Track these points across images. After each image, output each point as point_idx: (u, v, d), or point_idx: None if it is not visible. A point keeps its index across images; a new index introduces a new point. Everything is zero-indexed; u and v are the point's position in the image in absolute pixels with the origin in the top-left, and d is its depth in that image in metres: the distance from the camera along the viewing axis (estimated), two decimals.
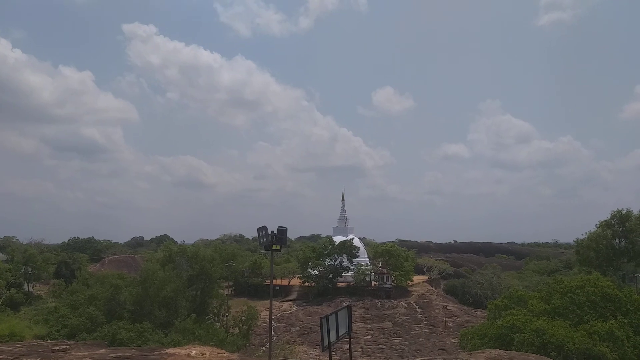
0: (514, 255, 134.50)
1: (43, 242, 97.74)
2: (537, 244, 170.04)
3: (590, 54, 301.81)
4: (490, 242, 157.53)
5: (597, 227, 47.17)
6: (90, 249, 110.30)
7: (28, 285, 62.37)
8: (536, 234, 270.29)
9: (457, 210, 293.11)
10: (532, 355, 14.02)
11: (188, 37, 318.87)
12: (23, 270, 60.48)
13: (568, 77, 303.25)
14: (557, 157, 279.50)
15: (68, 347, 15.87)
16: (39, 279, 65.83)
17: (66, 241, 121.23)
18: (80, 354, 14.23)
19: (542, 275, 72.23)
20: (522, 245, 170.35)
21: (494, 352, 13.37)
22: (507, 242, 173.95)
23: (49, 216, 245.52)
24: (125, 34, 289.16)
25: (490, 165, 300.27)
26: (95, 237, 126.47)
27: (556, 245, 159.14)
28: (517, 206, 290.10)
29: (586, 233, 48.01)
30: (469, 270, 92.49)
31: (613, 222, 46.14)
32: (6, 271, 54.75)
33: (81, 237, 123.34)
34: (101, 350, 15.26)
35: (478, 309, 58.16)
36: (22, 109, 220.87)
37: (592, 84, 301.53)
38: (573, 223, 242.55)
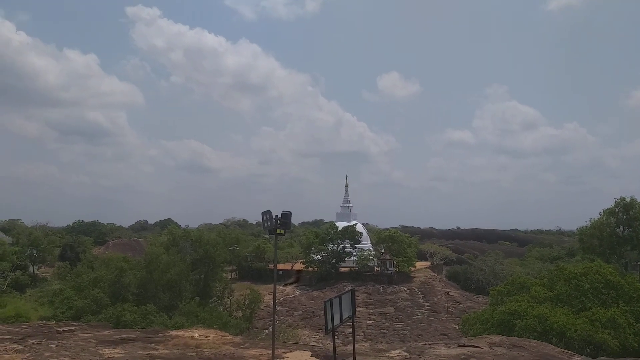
0: (517, 242, 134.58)
1: (48, 225, 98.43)
2: (540, 231, 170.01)
3: (598, 40, 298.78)
4: (493, 229, 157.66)
5: (600, 215, 47.02)
6: (94, 232, 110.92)
7: (33, 268, 62.91)
8: (540, 221, 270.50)
9: (460, 196, 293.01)
10: (534, 341, 14.08)
11: (192, 20, 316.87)
12: (28, 252, 60.94)
13: (575, 63, 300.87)
14: (563, 144, 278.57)
15: (73, 328, 16.02)
16: (44, 262, 66.36)
17: (71, 224, 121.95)
18: (85, 335, 14.38)
19: (545, 262, 72.27)
20: (525, 232, 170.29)
21: (496, 338, 13.44)
22: (510, 229, 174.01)
23: (54, 199, 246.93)
24: (129, 17, 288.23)
25: (495, 151, 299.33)
26: (99, 221, 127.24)
27: (559, 232, 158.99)
28: (521, 193, 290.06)
29: (590, 221, 47.88)
30: (471, 256, 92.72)
31: (617, 210, 45.91)
32: (12, 254, 55.12)
33: (86, 220, 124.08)
34: (106, 332, 15.42)
35: (480, 295, 58.40)
36: (26, 92, 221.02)
37: (599, 69, 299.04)
38: (577, 210, 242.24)
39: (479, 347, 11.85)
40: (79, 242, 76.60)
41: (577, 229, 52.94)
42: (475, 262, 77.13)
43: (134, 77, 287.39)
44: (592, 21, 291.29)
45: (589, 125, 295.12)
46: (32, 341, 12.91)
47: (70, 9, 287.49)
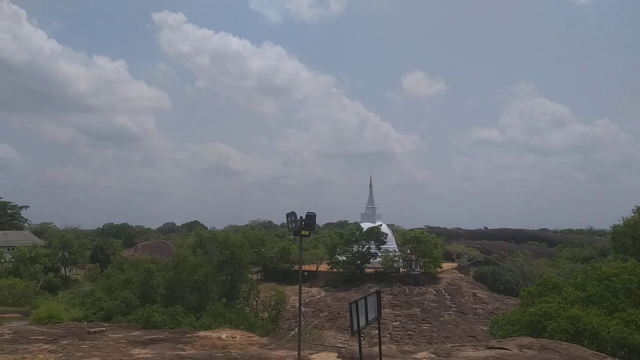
0: (546, 242, 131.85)
1: (79, 228, 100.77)
2: (570, 231, 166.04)
3: (629, 34, 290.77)
4: (521, 229, 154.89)
5: (633, 213, 45.65)
6: (124, 235, 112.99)
7: (65, 270, 64.43)
8: (570, 221, 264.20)
9: (488, 196, 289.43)
10: (565, 343, 13.74)
11: (217, 24, 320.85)
12: (60, 255, 62.44)
13: (607, 58, 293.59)
14: (594, 141, 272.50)
15: (104, 329, 16.33)
16: (76, 264, 67.89)
17: (101, 227, 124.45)
18: (116, 336, 14.63)
19: (576, 262, 70.56)
20: (555, 232, 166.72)
21: (525, 340, 13.16)
22: (540, 229, 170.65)
23: (85, 203, 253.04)
24: (155, 23, 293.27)
25: (523, 150, 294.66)
26: (128, 223, 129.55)
27: (591, 232, 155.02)
28: (551, 192, 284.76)
29: (623, 219, 46.55)
30: (499, 257, 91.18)
31: None
32: (44, 256, 56.59)
33: (115, 223, 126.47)
34: (135, 333, 15.66)
35: (509, 297, 57.41)
36: (58, 99, 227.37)
37: (631, 64, 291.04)
38: (608, 209, 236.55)
39: (508, 349, 11.63)
40: (109, 244, 78.19)
41: (610, 227, 51.31)
42: (504, 263, 75.81)
43: (162, 82, 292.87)
44: (624, 15, 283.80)
45: (621, 121, 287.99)
46: (65, 341, 13.21)
47: (98, 16, 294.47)
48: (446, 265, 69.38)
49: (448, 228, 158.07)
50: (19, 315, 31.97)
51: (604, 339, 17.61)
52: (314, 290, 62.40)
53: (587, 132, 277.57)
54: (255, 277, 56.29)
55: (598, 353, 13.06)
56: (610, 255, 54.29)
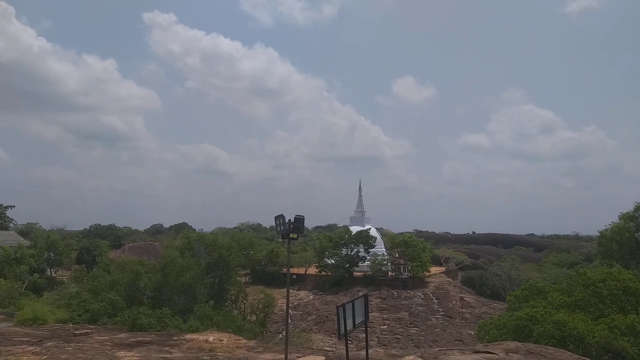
0: (533, 247, 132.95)
1: (65, 229, 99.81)
2: (557, 236, 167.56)
3: (618, 42, 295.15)
4: (509, 234, 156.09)
5: (619, 220, 46.25)
6: (111, 236, 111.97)
7: (51, 271, 63.65)
8: (557, 227, 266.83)
9: (476, 201, 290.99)
10: (550, 347, 13.85)
11: (208, 25, 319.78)
12: (46, 256, 61.68)
13: (594, 65, 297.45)
14: (581, 148, 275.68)
15: (89, 331, 16.19)
16: (61, 265, 67.10)
17: (88, 228, 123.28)
18: (102, 338, 14.50)
19: (562, 267, 71.22)
20: (542, 237, 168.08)
21: (512, 344, 13.24)
22: (527, 234, 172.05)
23: (71, 203, 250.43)
24: (146, 23, 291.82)
25: (511, 156, 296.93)
26: (115, 224, 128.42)
27: (577, 237, 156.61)
28: (538, 198, 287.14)
29: (609, 224, 47.16)
30: (487, 261, 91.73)
31: (636, 215, 45.11)
32: (29, 257, 55.84)
33: (102, 223, 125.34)
34: (122, 335, 15.53)
35: (496, 301, 57.74)
36: (45, 97, 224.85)
37: (619, 71, 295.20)
38: (594, 216, 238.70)
39: (494, 353, 11.70)
40: (96, 245, 77.49)
41: (598, 232, 51.80)
42: (491, 267, 76.24)
43: (152, 82, 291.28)
44: (612, 23, 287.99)
45: (608, 128, 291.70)
46: (49, 343, 13.06)
47: (89, 16, 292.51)
48: (434, 269, 69.64)
49: (436, 232, 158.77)
50: (3, 316, 31.51)
51: (589, 344, 17.78)
52: (302, 293, 62.30)
53: (574, 139, 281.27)
54: (243, 279, 56.07)
55: (583, 358, 13.18)
56: (596, 261, 54.88)
